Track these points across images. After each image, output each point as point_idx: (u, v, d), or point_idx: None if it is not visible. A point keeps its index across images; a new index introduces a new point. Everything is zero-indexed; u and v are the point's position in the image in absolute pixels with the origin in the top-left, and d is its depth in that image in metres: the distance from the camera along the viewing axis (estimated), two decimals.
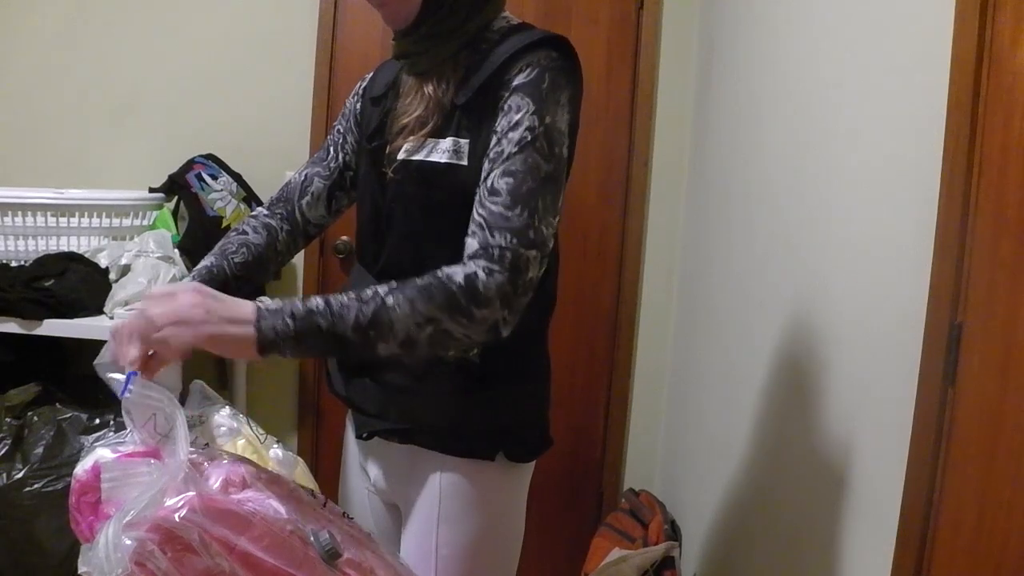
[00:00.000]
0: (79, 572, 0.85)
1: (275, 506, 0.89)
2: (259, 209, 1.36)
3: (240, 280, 1.25)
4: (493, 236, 1.01)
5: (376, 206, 1.20)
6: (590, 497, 2.63)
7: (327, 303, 0.97)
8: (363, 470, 1.32)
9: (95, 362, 1.01)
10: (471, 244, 1.03)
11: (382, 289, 0.98)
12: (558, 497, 2.58)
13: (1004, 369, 1.00)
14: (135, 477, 0.87)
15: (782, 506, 1.64)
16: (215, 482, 0.88)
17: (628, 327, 2.58)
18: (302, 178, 1.35)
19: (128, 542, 0.79)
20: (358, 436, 1.27)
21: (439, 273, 1.00)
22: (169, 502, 0.82)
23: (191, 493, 0.83)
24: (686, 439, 2.37)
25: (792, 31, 1.77)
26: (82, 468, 0.93)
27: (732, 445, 1.93)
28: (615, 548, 2.15)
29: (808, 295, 1.56)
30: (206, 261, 1.24)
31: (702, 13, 2.48)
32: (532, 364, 1.24)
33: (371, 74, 1.35)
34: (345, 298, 0.98)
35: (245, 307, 0.96)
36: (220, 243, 1.28)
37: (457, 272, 0.99)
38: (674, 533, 2.16)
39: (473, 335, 1.00)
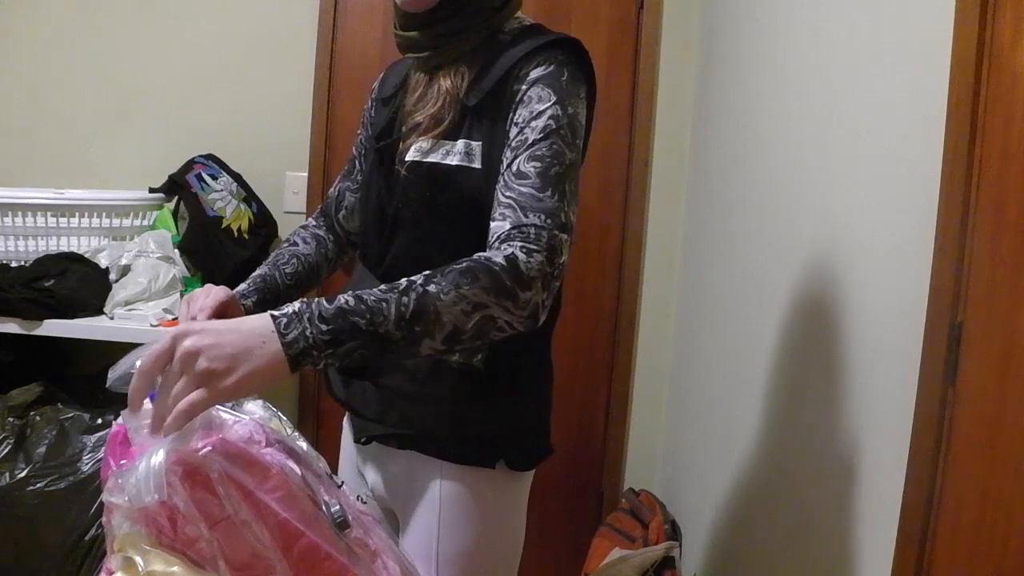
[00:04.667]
0: (104, 500, 0.85)
1: (292, 466, 0.90)
2: (308, 220, 1.43)
3: (292, 289, 1.29)
4: (527, 216, 0.98)
5: (382, 207, 1.19)
6: (590, 497, 2.64)
7: (358, 299, 0.86)
8: (360, 475, 1.29)
9: (109, 382, 1.00)
10: (501, 226, 0.99)
11: (417, 279, 0.90)
12: (558, 497, 2.58)
13: (1004, 369, 1.00)
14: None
15: (783, 506, 1.64)
16: (240, 432, 0.89)
17: (628, 327, 2.58)
18: (336, 193, 1.40)
19: (167, 462, 0.80)
20: (356, 440, 1.25)
21: (476, 256, 0.94)
22: (196, 442, 0.83)
23: (215, 436, 0.84)
24: (686, 439, 2.37)
25: (792, 31, 1.77)
26: (123, 415, 0.94)
27: (732, 445, 1.93)
28: (615, 548, 2.16)
29: (808, 295, 1.56)
30: (259, 271, 1.28)
31: (702, 13, 2.48)
32: (536, 371, 1.22)
33: (381, 76, 1.34)
34: (377, 291, 0.87)
35: (255, 321, 0.83)
36: (272, 255, 1.32)
37: (496, 254, 0.94)
38: (674, 533, 2.16)
39: (515, 321, 0.94)
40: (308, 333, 0.83)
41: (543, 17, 2.49)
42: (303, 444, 1.02)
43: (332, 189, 1.42)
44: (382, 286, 0.89)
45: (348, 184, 1.39)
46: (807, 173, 1.62)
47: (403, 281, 0.89)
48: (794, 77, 1.72)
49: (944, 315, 1.11)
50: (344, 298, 0.87)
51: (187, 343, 0.80)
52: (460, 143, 1.10)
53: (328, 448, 1.37)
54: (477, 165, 1.09)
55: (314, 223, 1.42)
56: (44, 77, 2.52)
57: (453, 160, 1.10)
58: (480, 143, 1.09)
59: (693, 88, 2.51)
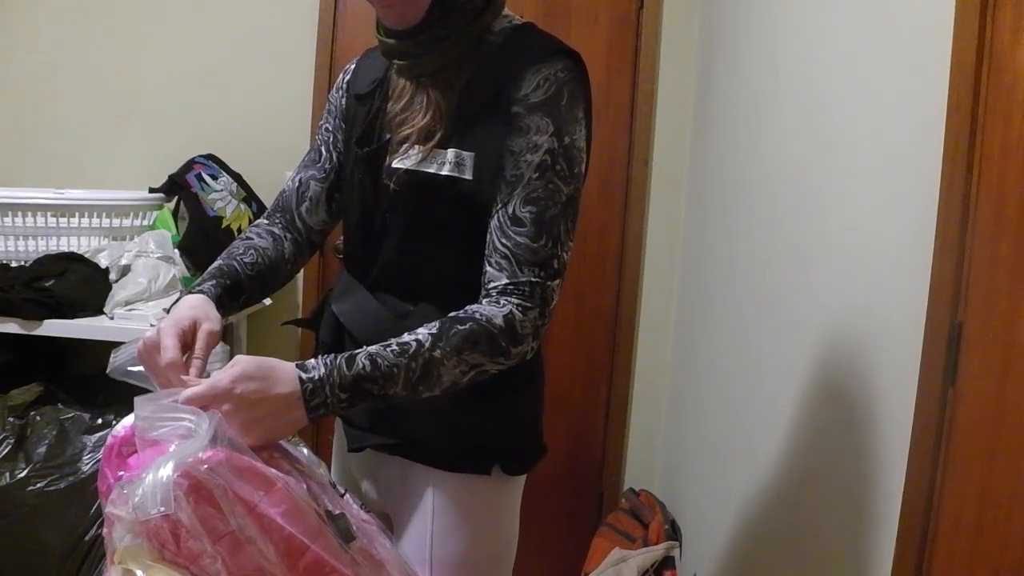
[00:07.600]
0: (105, 513, 0.85)
1: (297, 477, 0.90)
2: (259, 220, 1.28)
3: (253, 280, 1.17)
4: (522, 271, 1.04)
5: (368, 215, 1.16)
6: (590, 497, 2.64)
7: (374, 364, 0.97)
8: (353, 481, 1.28)
9: (110, 368, 1.01)
10: (498, 277, 1.04)
11: (424, 339, 0.99)
12: (558, 497, 2.58)
13: (1004, 369, 1.01)
14: (169, 419, 0.87)
15: (782, 504, 1.64)
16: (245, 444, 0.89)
17: (628, 327, 2.58)
18: (297, 184, 1.27)
19: (176, 478, 0.80)
20: (349, 449, 1.22)
21: (479, 316, 1.01)
22: (200, 454, 0.83)
23: (220, 448, 0.84)
24: (686, 439, 2.37)
25: (792, 31, 1.77)
26: (122, 426, 0.93)
27: (732, 445, 1.93)
28: (615, 548, 2.16)
29: (808, 295, 1.56)
30: (215, 263, 1.15)
31: (702, 13, 2.49)
32: (528, 374, 1.19)
33: (352, 66, 1.27)
34: (390, 355, 0.98)
35: (289, 384, 0.94)
36: (225, 251, 1.19)
37: (496, 315, 1.02)
38: (674, 533, 2.16)
39: (503, 367, 1.05)
40: (328, 401, 0.95)
41: (543, 17, 2.49)
42: (304, 451, 1.02)
43: (290, 180, 1.29)
44: (394, 347, 0.98)
45: (313, 173, 1.26)
46: (807, 173, 1.62)
47: (412, 343, 0.99)
48: (794, 77, 1.72)
49: (944, 315, 1.11)
50: (362, 362, 0.97)
51: (225, 407, 0.90)
52: (450, 152, 1.08)
53: (328, 452, 1.37)
54: (468, 176, 1.07)
55: (267, 221, 1.27)
56: (44, 77, 2.52)
57: (443, 170, 1.08)
58: (472, 154, 1.07)
59: (693, 88, 2.51)
